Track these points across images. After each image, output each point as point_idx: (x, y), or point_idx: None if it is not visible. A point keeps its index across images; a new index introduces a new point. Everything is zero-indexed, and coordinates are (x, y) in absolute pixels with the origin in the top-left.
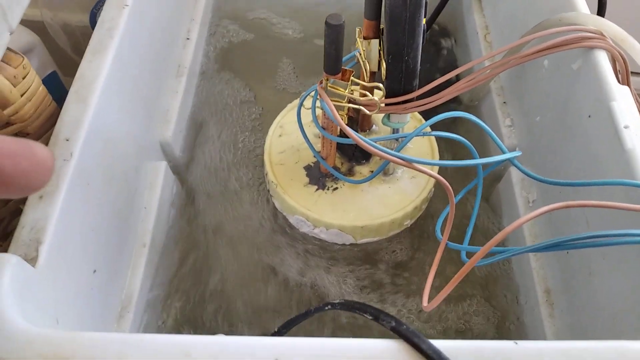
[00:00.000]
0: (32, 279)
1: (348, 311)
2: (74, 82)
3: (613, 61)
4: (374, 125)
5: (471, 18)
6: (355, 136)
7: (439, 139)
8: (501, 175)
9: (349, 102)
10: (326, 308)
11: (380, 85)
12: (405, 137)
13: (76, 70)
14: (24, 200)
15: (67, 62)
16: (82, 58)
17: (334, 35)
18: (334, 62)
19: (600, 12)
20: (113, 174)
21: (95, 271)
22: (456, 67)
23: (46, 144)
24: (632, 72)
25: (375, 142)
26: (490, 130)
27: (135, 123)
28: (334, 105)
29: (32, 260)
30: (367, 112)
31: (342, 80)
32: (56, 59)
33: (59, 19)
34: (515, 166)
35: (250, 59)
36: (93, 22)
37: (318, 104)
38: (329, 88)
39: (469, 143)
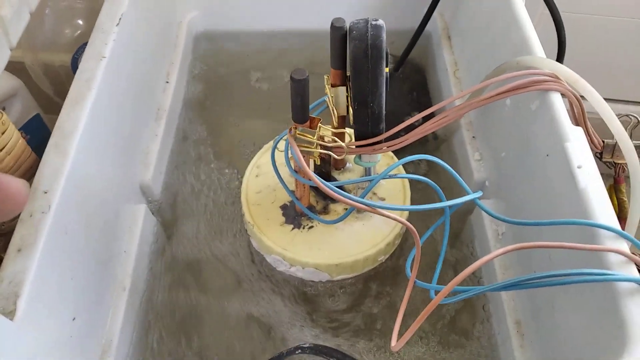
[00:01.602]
0: (10, 332)
1: (317, 355)
2: (52, 134)
3: (569, 103)
4: (348, 164)
5: (441, 55)
6: (322, 185)
7: None
8: (472, 208)
9: (319, 147)
10: (297, 352)
11: (347, 130)
12: (372, 179)
13: (59, 110)
14: (4, 251)
15: (50, 102)
16: (63, 99)
17: (300, 88)
18: (301, 112)
19: (560, 53)
20: (92, 220)
21: (74, 319)
22: (429, 100)
23: None
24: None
25: (344, 186)
26: (454, 172)
27: (115, 168)
28: (304, 150)
29: (10, 313)
30: (336, 156)
31: (310, 127)
32: (39, 100)
33: (40, 61)
34: (479, 206)
35: (231, 99)
36: (75, 68)
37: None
38: (297, 135)
39: (435, 184)
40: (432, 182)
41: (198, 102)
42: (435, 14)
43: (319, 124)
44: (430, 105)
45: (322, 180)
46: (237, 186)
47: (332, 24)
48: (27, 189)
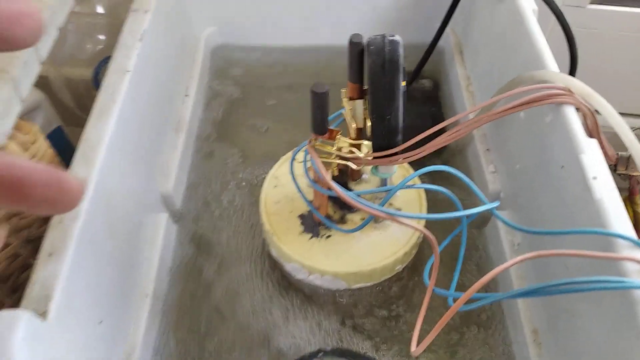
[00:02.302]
0: (43, 332)
1: (338, 357)
2: (79, 144)
3: (583, 116)
4: (364, 175)
5: (454, 70)
6: (342, 193)
7: None
8: (488, 219)
9: (337, 158)
10: (319, 355)
11: (364, 141)
12: (390, 190)
13: (79, 122)
14: (33, 255)
15: (71, 115)
16: (84, 112)
17: (319, 101)
18: (320, 124)
19: (572, 67)
20: (116, 229)
21: (101, 322)
22: (441, 114)
23: None
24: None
25: (362, 195)
26: (471, 183)
27: (137, 179)
28: (323, 161)
29: (42, 314)
30: (354, 166)
31: (329, 139)
32: (60, 112)
33: (62, 75)
34: (495, 215)
35: (248, 111)
36: (96, 81)
37: (308, 157)
38: (317, 146)
39: (452, 194)
40: (449, 192)
41: (216, 115)
42: (447, 29)
43: (338, 136)
44: (442, 119)
45: (342, 188)
46: (256, 197)
47: (350, 40)
48: (84, 187)
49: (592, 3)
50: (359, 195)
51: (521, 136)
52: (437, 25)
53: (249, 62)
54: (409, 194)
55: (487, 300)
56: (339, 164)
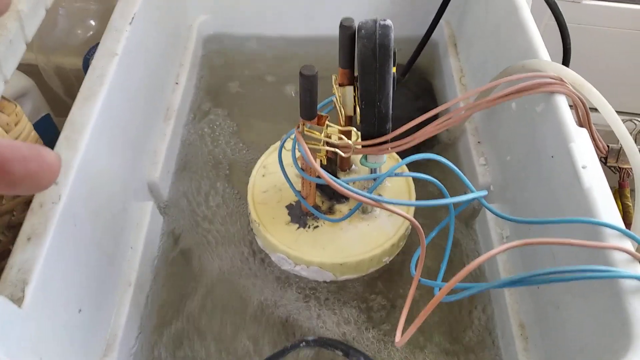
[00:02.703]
0: (18, 318)
1: (321, 347)
2: (64, 127)
3: (573, 104)
4: (353, 165)
5: (447, 62)
6: (329, 179)
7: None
8: (477, 211)
9: (326, 145)
10: (301, 345)
11: (354, 129)
12: (378, 177)
13: (69, 111)
14: (13, 242)
15: (61, 104)
16: (74, 100)
17: (308, 84)
18: (309, 109)
19: (565, 59)
20: (100, 215)
21: (80, 310)
22: (435, 106)
23: None
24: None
25: (351, 183)
26: (459, 171)
27: (124, 165)
28: (311, 148)
29: (18, 300)
30: (343, 154)
31: (318, 125)
32: (49, 101)
33: (52, 63)
34: (483, 205)
35: (238, 101)
36: (86, 68)
37: (297, 145)
38: (305, 132)
39: (439, 183)
40: (437, 181)
41: (206, 104)
42: (441, 21)
43: (327, 122)
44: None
45: (330, 176)
46: (244, 187)
47: (341, 23)
48: (60, 161)
49: None
50: (347, 183)
51: (512, 127)
52: (431, 17)
53: (242, 52)
54: (398, 186)
55: (472, 291)
56: (327, 153)
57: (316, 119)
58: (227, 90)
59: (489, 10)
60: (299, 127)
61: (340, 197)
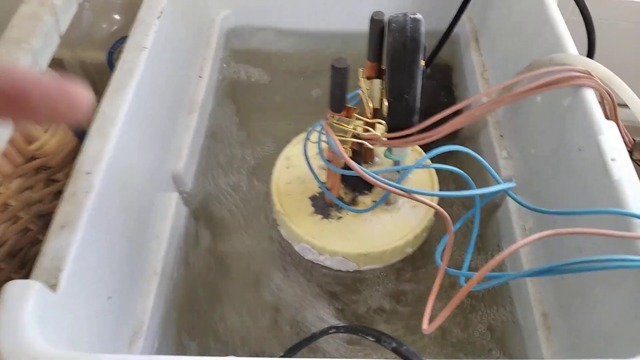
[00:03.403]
0: (53, 304)
1: (351, 334)
2: (95, 118)
3: (601, 98)
4: (376, 158)
5: (469, 56)
6: (359, 169)
7: (438, 170)
8: (499, 204)
9: (353, 137)
10: (330, 332)
11: (382, 121)
12: (405, 169)
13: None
14: (43, 231)
15: None
16: (97, 95)
17: (339, 77)
18: (338, 101)
19: (590, 54)
20: (129, 205)
21: (109, 297)
22: (454, 101)
23: (67, 177)
24: (619, 104)
25: (377, 174)
26: (486, 163)
27: (151, 157)
28: (339, 139)
29: (53, 286)
30: (370, 145)
31: (346, 117)
32: None
33: (77, 57)
34: (510, 196)
35: (260, 95)
36: (110, 62)
37: (323, 137)
38: (334, 124)
39: (466, 174)
40: (463, 172)
41: (229, 97)
42: (463, 16)
43: (355, 114)
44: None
45: (359, 166)
46: (267, 178)
47: (371, 17)
48: (89, 98)
49: None
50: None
51: (537, 120)
52: (453, 12)
53: (263, 46)
54: (421, 177)
55: (501, 280)
56: (352, 145)
57: (345, 111)
58: (249, 83)
59: (512, 5)
60: (327, 118)
61: (363, 189)
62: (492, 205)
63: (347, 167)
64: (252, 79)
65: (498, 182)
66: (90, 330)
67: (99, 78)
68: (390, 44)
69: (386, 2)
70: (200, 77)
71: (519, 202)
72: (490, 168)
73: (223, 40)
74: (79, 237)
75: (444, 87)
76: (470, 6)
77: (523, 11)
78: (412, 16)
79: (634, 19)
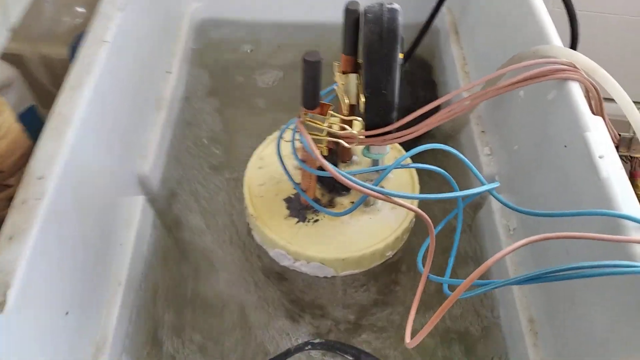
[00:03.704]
0: (0, 324)
1: (328, 351)
2: (49, 118)
3: (586, 92)
4: (354, 156)
5: (449, 50)
6: (334, 172)
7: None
8: (482, 203)
9: (328, 135)
10: (306, 348)
11: (359, 118)
12: (384, 169)
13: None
14: None
15: (46, 94)
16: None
17: (312, 71)
18: (311, 97)
19: (573, 45)
20: (88, 211)
21: (67, 313)
22: (435, 96)
23: (20, 180)
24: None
25: (355, 175)
26: (469, 162)
27: (113, 157)
28: (313, 138)
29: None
30: (346, 144)
31: (320, 114)
32: (35, 92)
33: (38, 52)
34: (495, 197)
35: (233, 91)
36: (73, 57)
37: (297, 136)
38: (307, 122)
39: (448, 175)
40: (445, 173)
41: (199, 93)
42: (443, 8)
43: (330, 111)
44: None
45: (336, 169)
46: (238, 179)
47: (346, 7)
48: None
49: None
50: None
51: (520, 115)
52: (432, 3)
53: (236, 39)
54: (402, 178)
55: (487, 288)
56: (328, 144)
57: (319, 107)
58: (221, 78)
59: None
60: (300, 116)
61: (341, 190)
62: (474, 204)
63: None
64: (224, 73)
65: (482, 183)
66: (44, 350)
67: (62, 73)
68: (365, 36)
69: None
70: (168, 72)
71: (504, 204)
72: (474, 168)
73: (193, 33)
74: (29, 248)
75: (424, 82)
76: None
77: (504, 3)
78: (389, 6)
79: (621, 11)
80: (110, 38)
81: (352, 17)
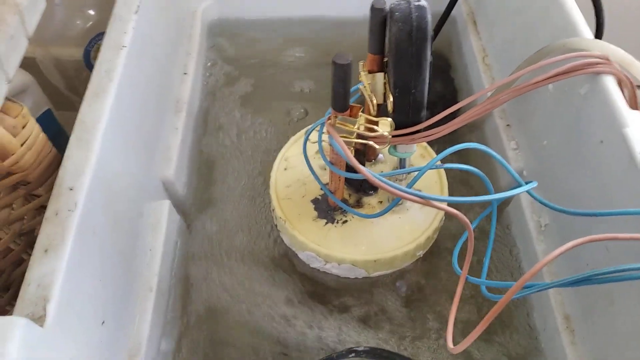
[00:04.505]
0: (41, 339)
1: (373, 359)
2: (74, 127)
3: (621, 87)
4: (380, 155)
5: (468, 41)
6: (370, 175)
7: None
8: (510, 199)
9: (358, 137)
10: (350, 356)
11: (387, 119)
12: (419, 170)
13: (70, 105)
14: (26, 250)
15: (61, 97)
16: (75, 94)
17: (342, 74)
18: (342, 100)
19: (598, 33)
20: (117, 218)
21: (103, 322)
22: (453, 89)
23: (49, 191)
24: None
25: (387, 177)
26: (507, 164)
27: (137, 164)
28: (345, 140)
29: (39, 319)
30: (377, 146)
31: (350, 116)
32: (49, 95)
33: (51, 55)
34: (534, 197)
35: (248, 88)
36: (87, 60)
37: (324, 137)
38: (338, 125)
39: (483, 175)
40: (480, 173)
41: (216, 93)
42: None
43: (360, 112)
44: (455, 94)
45: (369, 171)
46: (263, 180)
47: (372, 5)
48: None
49: None
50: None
51: (549, 110)
52: None
53: (249, 36)
54: (428, 176)
55: (535, 289)
56: (355, 145)
57: (349, 110)
58: (237, 77)
59: None
60: (330, 118)
61: (368, 189)
62: (503, 200)
63: (350, 167)
64: (239, 72)
65: (518, 183)
66: None
67: (76, 75)
68: (394, 35)
69: None
70: (185, 73)
71: (544, 204)
72: (510, 168)
73: (206, 32)
74: (66, 261)
75: (442, 74)
76: None
77: None
78: (416, 3)
79: None
80: (128, 42)
81: (379, 16)
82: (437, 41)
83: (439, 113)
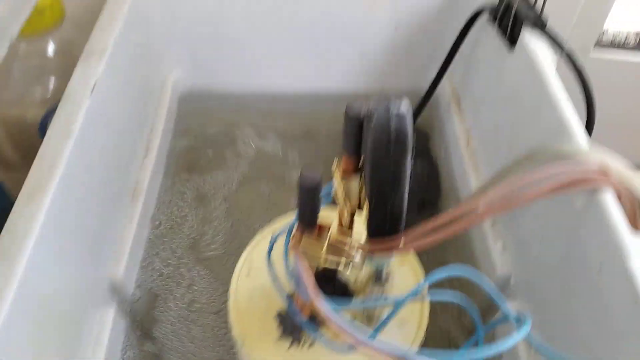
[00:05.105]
0: None
1: None
2: (1, 236)
3: (621, 204)
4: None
5: (451, 124)
6: (328, 316)
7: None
8: (495, 309)
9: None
10: None
11: (360, 226)
12: (401, 302)
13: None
14: None
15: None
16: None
17: (310, 194)
18: (309, 219)
19: (589, 128)
20: (48, 337)
21: None
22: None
23: None
24: None
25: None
26: (500, 298)
27: (78, 269)
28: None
29: None
30: (344, 267)
31: (318, 235)
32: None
33: (6, 122)
34: (531, 344)
35: (218, 172)
36: (43, 134)
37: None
38: (303, 245)
39: (472, 308)
40: (469, 305)
41: (181, 175)
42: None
43: (328, 233)
44: (438, 180)
45: (331, 310)
46: (228, 279)
47: (346, 112)
48: None
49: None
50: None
51: (541, 221)
52: (429, 72)
53: (223, 112)
54: (404, 275)
55: None
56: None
57: (316, 229)
58: (206, 158)
59: (503, 70)
60: (293, 237)
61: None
62: (486, 306)
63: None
64: (210, 152)
65: (513, 321)
66: None
67: (32, 146)
68: (370, 143)
69: (357, 58)
70: (145, 156)
71: (545, 354)
72: (507, 308)
73: (175, 108)
74: None
75: (422, 153)
76: (450, 67)
77: (515, 79)
78: (395, 112)
79: (620, 78)
80: (76, 128)
81: (355, 123)
82: (421, 121)
83: (419, 203)
